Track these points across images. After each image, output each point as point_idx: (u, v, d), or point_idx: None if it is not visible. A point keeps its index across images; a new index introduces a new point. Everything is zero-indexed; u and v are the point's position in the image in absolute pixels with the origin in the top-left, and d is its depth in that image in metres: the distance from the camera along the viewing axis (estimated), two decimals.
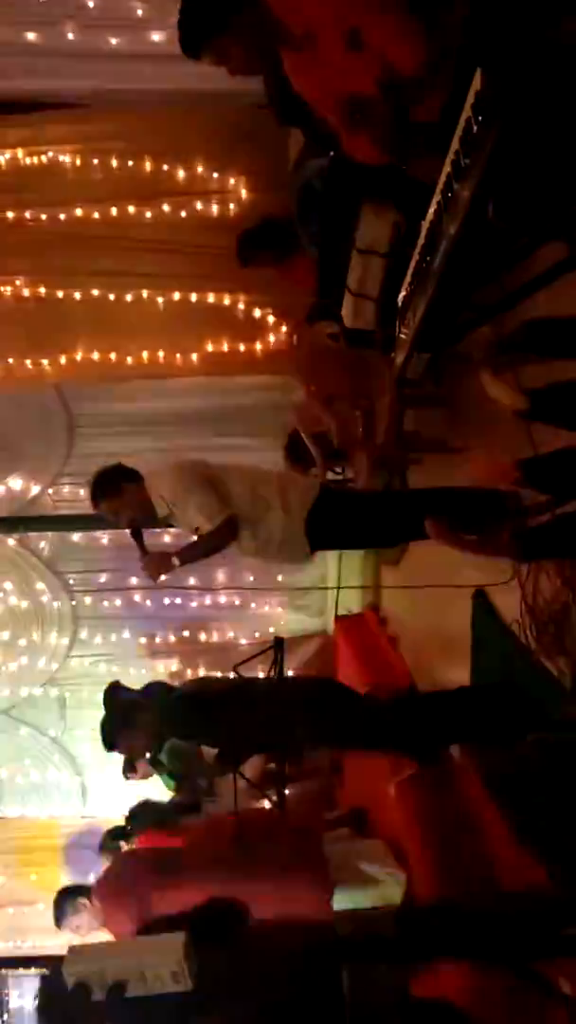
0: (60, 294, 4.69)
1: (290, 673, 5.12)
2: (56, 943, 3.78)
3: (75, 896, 3.42)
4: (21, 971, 5.25)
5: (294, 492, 3.02)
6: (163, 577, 3.10)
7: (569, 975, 2.28)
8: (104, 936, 3.17)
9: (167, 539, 4.47)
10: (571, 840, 2.41)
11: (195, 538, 3.13)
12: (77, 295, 4.70)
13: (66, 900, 3.45)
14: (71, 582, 5.51)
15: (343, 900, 3.12)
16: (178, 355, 4.83)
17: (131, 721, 3.16)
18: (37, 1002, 2.46)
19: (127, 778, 4.57)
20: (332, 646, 5.62)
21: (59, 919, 3.42)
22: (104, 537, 5.34)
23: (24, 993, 5.51)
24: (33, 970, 5.45)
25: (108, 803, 5.68)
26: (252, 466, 3.45)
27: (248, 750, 2.87)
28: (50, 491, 5.27)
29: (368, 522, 3.03)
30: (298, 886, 3.02)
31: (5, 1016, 5.59)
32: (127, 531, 3.20)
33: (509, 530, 2.06)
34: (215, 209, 4.70)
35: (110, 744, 3.21)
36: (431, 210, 1.99)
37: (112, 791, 5.54)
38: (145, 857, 3.53)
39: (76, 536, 5.40)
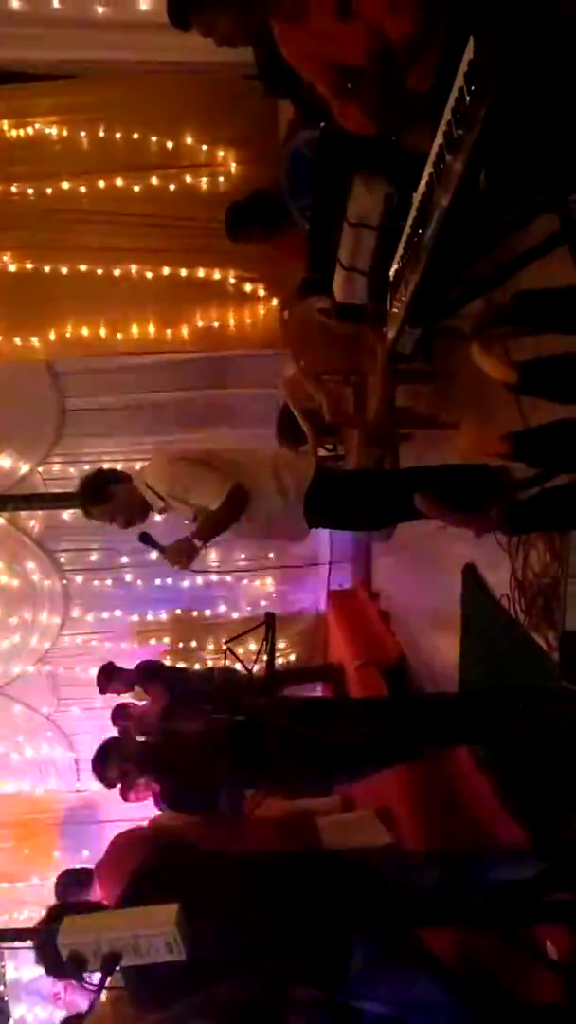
0: (47, 269, 4.64)
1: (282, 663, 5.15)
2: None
3: (78, 883, 3.47)
4: (17, 944, 5.30)
5: (289, 472, 3.01)
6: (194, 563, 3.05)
7: (554, 939, 2.34)
8: None
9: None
10: (556, 810, 2.46)
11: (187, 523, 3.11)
12: (64, 270, 4.65)
13: (66, 881, 3.51)
14: (62, 561, 5.51)
15: None
16: (168, 330, 4.80)
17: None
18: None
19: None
20: (323, 621, 5.67)
21: (59, 898, 3.47)
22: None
23: (20, 965, 5.57)
24: (29, 943, 5.49)
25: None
26: (244, 448, 3.44)
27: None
28: (40, 469, 5.25)
29: (364, 502, 3.03)
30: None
31: (2, 987, 5.66)
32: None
33: (498, 504, 2.07)
34: (204, 182, 4.64)
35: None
36: (423, 182, 1.98)
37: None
38: (144, 840, 3.58)
39: (66, 515, 5.39)
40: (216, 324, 4.82)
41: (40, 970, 2.29)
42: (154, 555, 5.39)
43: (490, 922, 2.07)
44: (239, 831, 3.20)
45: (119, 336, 4.78)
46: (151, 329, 4.80)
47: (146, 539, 3.09)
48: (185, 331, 4.82)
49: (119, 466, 3.26)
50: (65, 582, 5.53)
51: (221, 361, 5.09)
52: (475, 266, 2.37)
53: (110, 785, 3.38)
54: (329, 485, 3.02)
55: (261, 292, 4.81)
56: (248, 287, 4.79)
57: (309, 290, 3.65)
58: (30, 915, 5.38)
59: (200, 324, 4.82)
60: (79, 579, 5.55)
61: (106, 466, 5.35)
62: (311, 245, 3.25)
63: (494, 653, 3.11)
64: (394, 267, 2.38)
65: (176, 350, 4.88)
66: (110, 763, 3.31)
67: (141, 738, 3.67)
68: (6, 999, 5.72)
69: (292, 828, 3.52)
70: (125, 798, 3.39)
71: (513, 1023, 2.22)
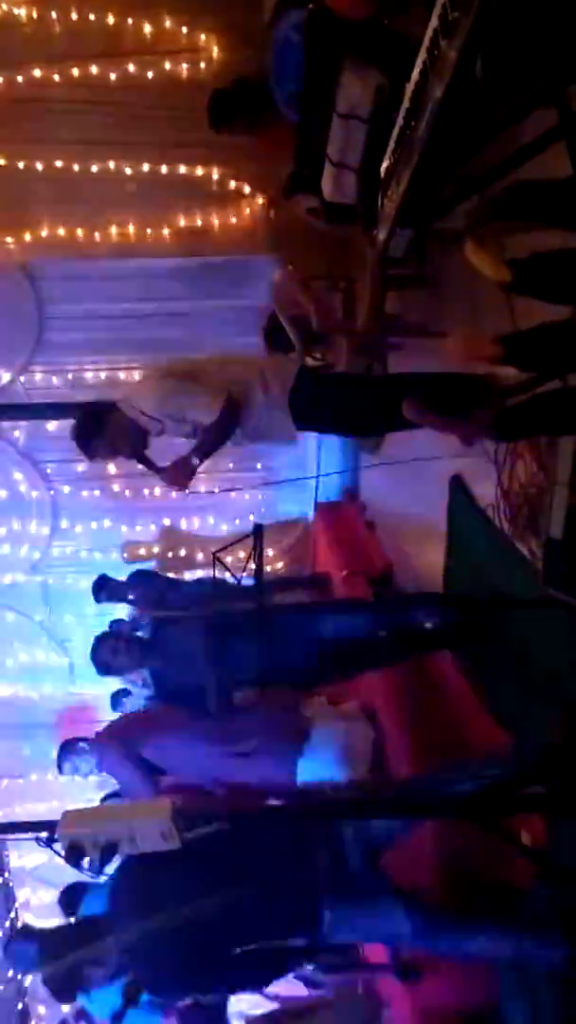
0: (21, 165, 4.42)
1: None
2: (49, 810, 4.00)
3: (75, 743, 3.67)
4: (19, 835, 5.57)
5: (276, 379, 2.96)
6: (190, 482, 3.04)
7: (528, 828, 2.48)
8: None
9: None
10: (533, 709, 2.55)
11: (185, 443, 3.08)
12: (40, 166, 4.44)
13: (67, 747, 3.70)
14: (48, 472, 5.48)
15: (313, 765, 3.33)
16: (149, 231, 4.63)
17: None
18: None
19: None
20: (311, 533, 5.72)
21: (60, 763, 3.66)
22: None
23: (23, 854, 5.88)
24: (30, 834, 5.76)
25: (96, 681, 5.90)
26: (230, 357, 3.36)
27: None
28: (22, 379, 5.14)
29: (351, 403, 2.98)
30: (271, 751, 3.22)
31: (6, 874, 5.98)
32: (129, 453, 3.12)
33: (487, 410, 2.05)
34: (185, 69, 4.37)
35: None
36: (416, 71, 1.87)
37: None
38: (138, 716, 3.74)
39: (51, 426, 5.33)
40: (199, 225, 4.65)
41: (42, 857, 2.45)
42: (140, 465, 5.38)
43: (469, 816, 2.18)
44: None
45: (97, 237, 4.61)
46: (131, 230, 4.62)
47: (142, 460, 3.07)
48: (167, 232, 4.64)
49: (103, 375, 3.18)
50: (53, 492, 5.52)
51: (205, 266, 4.92)
52: (469, 163, 2.28)
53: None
54: (312, 381, 2.97)
55: (246, 191, 4.62)
56: (232, 185, 4.59)
57: (296, 188, 3.50)
58: (31, 808, 5.64)
59: (182, 225, 4.64)
60: (67, 490, 5.54)
61: (89, 376, 5.28)
62: (298, 138, 3.10)
63: (479, 562, 3.15)
64: (385, 163, 2.28)
65: (157, 253, 4.71)
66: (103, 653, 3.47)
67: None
68: (11, 884, 6.05)
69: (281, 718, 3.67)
70: None
71: (488, 907, 2.38)
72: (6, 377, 5.10)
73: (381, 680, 3.49)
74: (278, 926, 2.31)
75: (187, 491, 3.17)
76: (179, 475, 2.96)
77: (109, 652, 3.44)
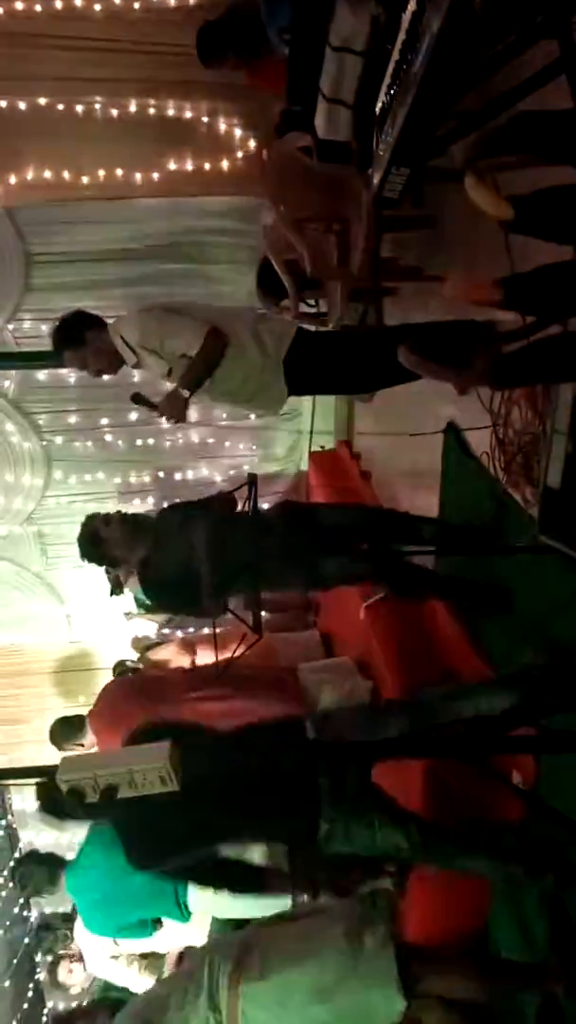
0: (3, 104, 4.26)
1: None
2: (50, 756, 4.08)
3: (71, 727, 3.69)
4: (21, 780, 5.68)
5: (269, 333, 2.91)
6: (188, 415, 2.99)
7: (519, 768, 2.55)
8: None
9: None
10: (521, 653, 2.59)
11: (169, 385, 3.04)
12: (22, 105, 4.27)
13: (63, 730, 3.73)
14: (40, 423, 5.42)
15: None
16: (137, 174, 4.49)
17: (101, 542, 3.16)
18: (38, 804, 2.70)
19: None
20: (305, 481, 5.71)
21: (57, 745, 3.72)
22: (71, 376, 5.19)
23: (26, 798, 6.01)
24: (32, 780, 5.89)
25: (93, 630, 5.96)
26: (220, 306, 3.30)
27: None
28: (10, 327, 5.05)
29: (347, 366, 2.95)
30: (273, 708, 3.25)
31: (10, 816, 6.12)
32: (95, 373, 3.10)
33: (484, 356, 2.03)
34: (173, 1, 4.18)
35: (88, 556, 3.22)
36: (413, 1, 1.79)
37: (96, 619, 5.80)
38: (131, 688, 3.76)
39: (42, 375, 5.25)
40: (190, 167, 4.51)
41: None
42: (134, 416, 5.34)
43: (460, 756, 2.24)
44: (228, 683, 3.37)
45: (84, 180, 4.47)
46: (118, 172, 4.48)
47: (138, 399, 3.05)
48: (155, 175, 4.51)
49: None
50: (45, 443, 5.48)
51: (195, 210, 4.80)
52: (467, 99, 2.20)
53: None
54: (310, 349, 2.93)
55: (238, 132, 4.47)
56: (223, 125, 4.45)
57: (289, 126, 3.39)
58: (32, 755, 5.75)
59: (172, 167, 4.50)
60: (59, 440, 5.49)
61: None
62: (290, 72, 2.99)
63: (472, 510, 3.16)
64: (381, 99, 2.20)
65: (146, 194, 4.58)
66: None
67: None
68: (15, 826, 6.20)
69: (279, 683, 3.72)
70: None
71: (475, 841, 2.45)
72: None
73: (375, 632, 3.53)
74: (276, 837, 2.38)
75: (184, 423, 3.09)
76: (172, 407, 2.93)
77: (101, 521, 3.20)
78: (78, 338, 3.00)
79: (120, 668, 4.86)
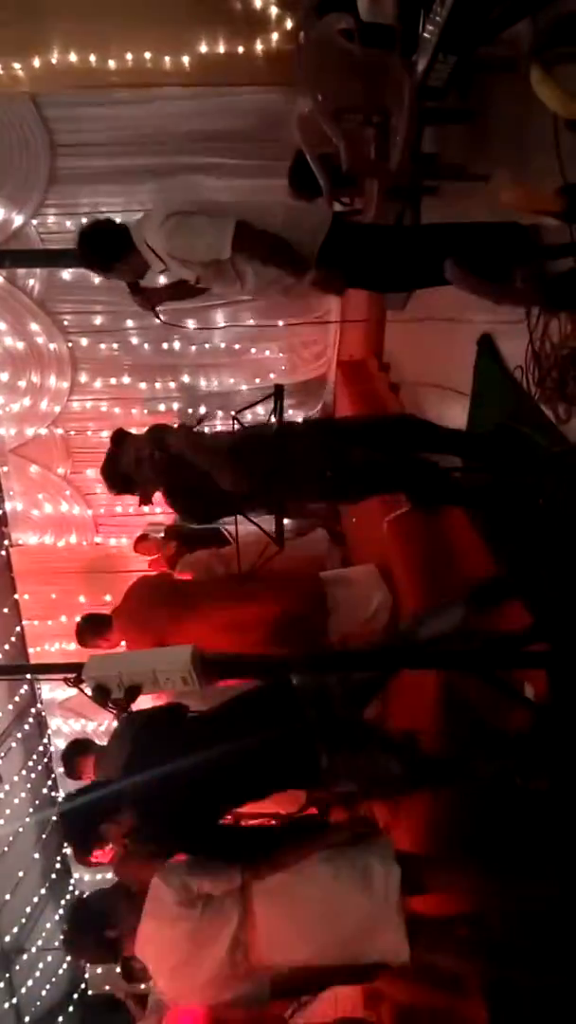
0: None
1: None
2: (77, 653, 4.23)
3: (97, 624, 3.79)
4: (51, 675, 5.92)
5: (302, 225, 2.77)
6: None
7: (532, 681, 2.58)
8: None
9: None
10: (542, 568, 2.59)
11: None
12: None
13: (89, 628, 3.83)
14: (65, 323, 5.35)
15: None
16: (167, 58, 4.25)
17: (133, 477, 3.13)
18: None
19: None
20: (332, 392, 5.63)
21: (83, 642, 3.81)
22: (96, 276, 5.08)
23: (54, 688, 6.27)
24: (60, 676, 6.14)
25: (119, 532, 6.08)
26: (251, 200, 3.15)
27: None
28: (35, 222, 4.91)
29: (384, 259, 2.81)
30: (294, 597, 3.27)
31: (39, 704, 6.41)
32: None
33: (528, 272, 1.93)
34: None
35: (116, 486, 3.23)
36: None
37: (122, 521, 5.95)
38: (159, 590, 3.82)
39: (66, 274, 5.14)
40: (222, 52, 4.25)
41: (71, 690, 2.53)
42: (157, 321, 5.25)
43: (473, 668, 2.27)
44: (252, 590, 3.42)
45: (112, 64, 4.24)
46: (147, 56, 4.24)
47: (135, 289, 2.97)
48: (187, 60, 4.26)
49: (118, 219, 2.99)
50: (70, 344, 5.42)
51: (228, 98, 4.55)
52: None
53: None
54: (347, 236, 2.79)
55: (274, 11, 4.18)
56: (259, 2, 4.16)
57: (329, 6, 3.16)
58: (61, 647, 5.97)
59: (204, 51, 4.25)
60: (84, 342, 5.43)
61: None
62: None
63: (502, 424, 3.09)
64: None
65: (176, 82, 4.34)
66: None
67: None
68: (44, 713, 6.52)
69: (300, 586, 3.76)
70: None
71: (484, 748, 2.52)
72: (20, 220, 4.87)
73: (397, 545, 3.54)
74: (278, 779, 2.49)
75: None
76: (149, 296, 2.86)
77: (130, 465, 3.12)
78: (107, 256, 2.85)
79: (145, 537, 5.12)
